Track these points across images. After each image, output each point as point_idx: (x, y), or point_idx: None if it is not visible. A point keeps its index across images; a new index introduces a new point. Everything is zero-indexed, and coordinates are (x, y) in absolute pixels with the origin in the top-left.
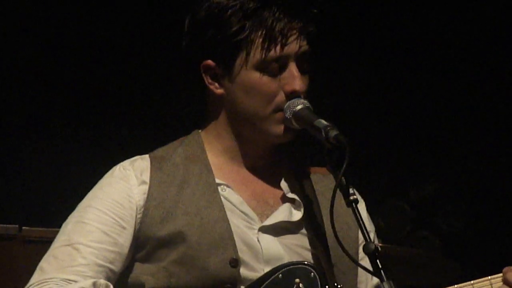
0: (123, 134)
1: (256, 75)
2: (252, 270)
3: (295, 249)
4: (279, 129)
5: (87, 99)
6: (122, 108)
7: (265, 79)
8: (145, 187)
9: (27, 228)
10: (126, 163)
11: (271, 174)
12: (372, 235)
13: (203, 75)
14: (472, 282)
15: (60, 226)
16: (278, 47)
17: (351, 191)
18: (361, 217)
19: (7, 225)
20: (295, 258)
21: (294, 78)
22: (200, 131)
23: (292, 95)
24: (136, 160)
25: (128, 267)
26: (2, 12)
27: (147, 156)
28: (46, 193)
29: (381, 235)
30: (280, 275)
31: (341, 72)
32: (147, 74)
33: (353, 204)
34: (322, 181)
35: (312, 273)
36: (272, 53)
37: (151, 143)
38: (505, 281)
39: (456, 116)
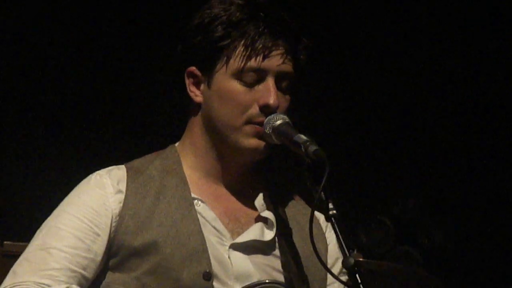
0: (105, 149)
1: (232, 83)
2: (224, 285)
3: (265, 268)
4: (249, 142)
5: (68, 113)
6: (104, 121)
7: (241, 88)
8: (121, 196)
9: (8, 242)
10: (102, 171)
11: (247, 191)
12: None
13: (186, 82)
14: None
15: None
16: (258, 58)
17: (330, 205)
18: (340, 232)
19: None
20: (265, 277)
21: (269, 92)
22: (176, 145)
23: (265, 109)
24: (112, 170)
25: (99, 276)
26: None
27: (123, 166)
28: (28, 207)
29: (363, 250)
30: None
31: (322, 86)
32: (129, 86)
33: (332, 219)
34: (301, 201)
35: None
36: (251, 62)
37: (131, 154)
38: None
39: (437, 132)
